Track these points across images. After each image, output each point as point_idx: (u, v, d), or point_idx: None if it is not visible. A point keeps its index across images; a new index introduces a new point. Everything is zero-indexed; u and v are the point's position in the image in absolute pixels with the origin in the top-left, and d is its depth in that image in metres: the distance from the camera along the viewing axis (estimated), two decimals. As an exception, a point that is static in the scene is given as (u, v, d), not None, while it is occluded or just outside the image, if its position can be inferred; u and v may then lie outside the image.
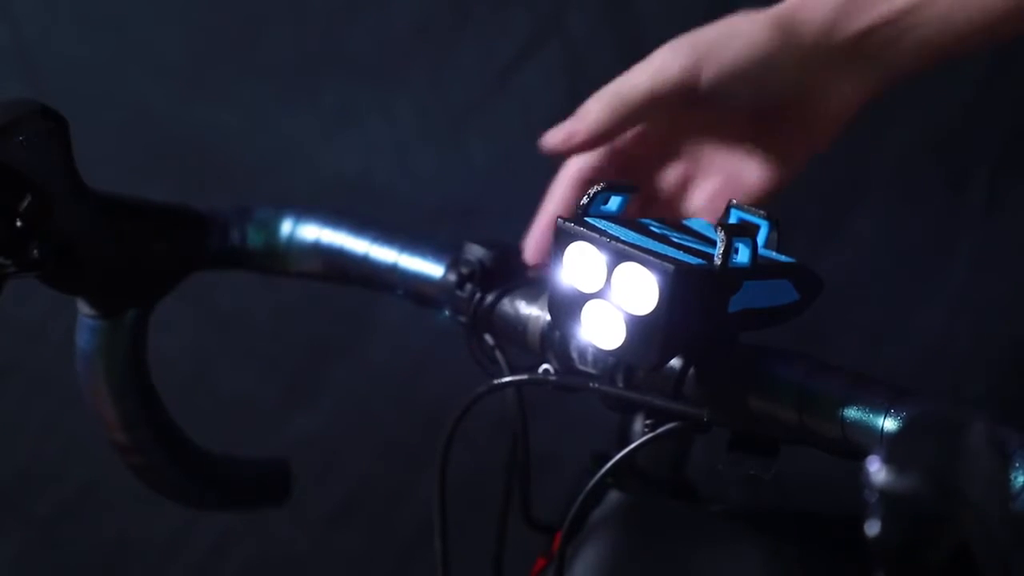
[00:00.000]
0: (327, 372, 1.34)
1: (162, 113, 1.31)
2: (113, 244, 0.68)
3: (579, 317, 0.60)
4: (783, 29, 0.74)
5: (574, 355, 0.65)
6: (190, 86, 1.31)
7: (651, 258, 0.57)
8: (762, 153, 0.78)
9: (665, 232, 0.62)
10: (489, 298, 0.68)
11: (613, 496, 0.74)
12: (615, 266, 0.59)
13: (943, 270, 1.24)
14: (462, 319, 0.69)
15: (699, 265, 0.58)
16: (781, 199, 0.79)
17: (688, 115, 0.76)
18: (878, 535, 0.41)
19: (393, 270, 0.72)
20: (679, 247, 0.60)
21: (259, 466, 0.84)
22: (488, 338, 0.69)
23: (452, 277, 0.70)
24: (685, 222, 0.65)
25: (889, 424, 0.56)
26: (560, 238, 0.60)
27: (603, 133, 0.73)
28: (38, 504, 1.38)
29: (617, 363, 0.63)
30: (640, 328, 0.58)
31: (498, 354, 0.69)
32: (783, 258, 0.63)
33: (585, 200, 0.62)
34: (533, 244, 0.76)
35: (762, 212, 0.63)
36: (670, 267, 0.57)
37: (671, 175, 0.79)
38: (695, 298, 0.58)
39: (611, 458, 0.64)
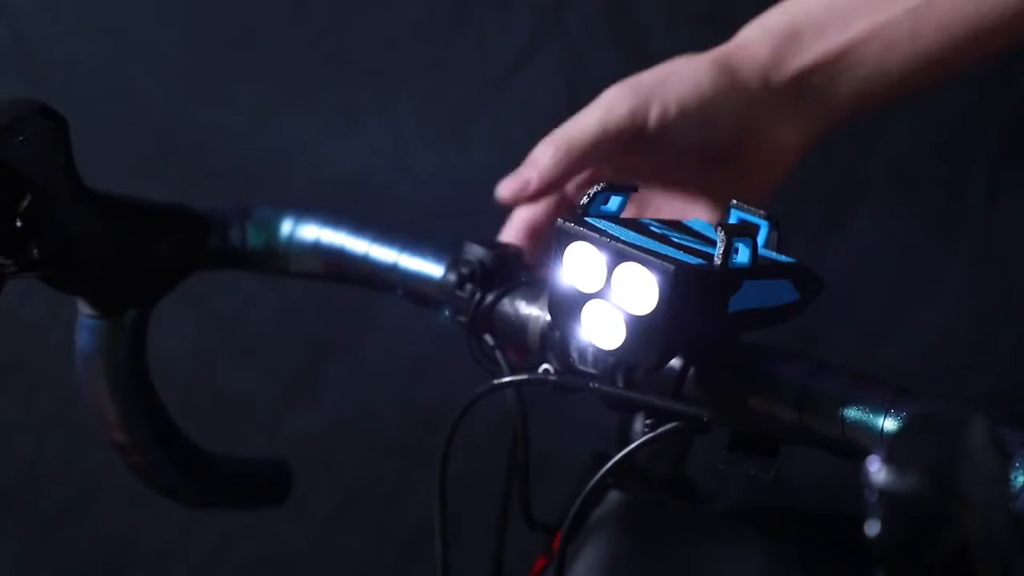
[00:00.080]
0: (327, 372, 1.34)
1: (162, 113, 1.31)
2: (113, 244, 0.68)
3: (579, 317, 0.60)
4: (724, 71, 0.74)
5: (574, 355, 0.65)
6: (190, 86, 1.31)
7: (651, 258, 0.57)
8: (708, 196, 0.78)
9: (665, 232, 0.62)
10: (489, 298, 0.68)
11: (613, 496, 0.74)
12: (615, 266, 0.59)
13: (943, 270, 1.24)
14: (462, 319, 0.69)
15: (699, 265, 0.58)
16: (781, 199, 0.79)
17: (635, 158, 0.76)
18: (878, 535, 0.41)
19: (393, 270, 0.72)
20: (679, 247, 0.60)
21: (259, 466, 0.84)
22: (488, 338, 0.69)
23: (452, 277, 0.70)
24: (685, 222, 0.65)
25: (889, 424, 0.56)
26: (560, 238, 0.60)
27: (556, 179, 0.73)
28: (39, 504, 1.38)
29: (617, 363, 0.63)
30: (640, 328, 0.58)
31: (498, 354, 0.69)
32: (783, 258, 0.63)
33: (585, 200, 0.62)
34: None
35: (762, 212, 0.63)
36: (670, 267, 0.57)
37: None
38: (695, 298, 0.58)
39: (611, 458, 0.64)
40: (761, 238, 0.62)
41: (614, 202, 0.63)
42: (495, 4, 1.26)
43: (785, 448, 0.60)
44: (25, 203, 0.62)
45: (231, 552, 1.37)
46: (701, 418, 0.60)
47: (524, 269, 0.70)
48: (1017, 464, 0.54)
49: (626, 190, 0.63)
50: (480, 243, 0.70)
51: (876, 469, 0.42)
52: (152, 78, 1.31)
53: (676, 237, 0.61)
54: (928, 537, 0.41)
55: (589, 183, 0.77)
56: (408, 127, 1.29)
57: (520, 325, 0.67)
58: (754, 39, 0.77)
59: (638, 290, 0.58)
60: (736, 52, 0.76)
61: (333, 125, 1.30)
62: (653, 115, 0.73)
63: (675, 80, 0.74)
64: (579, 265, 0.60)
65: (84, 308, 0.71)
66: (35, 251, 0.63)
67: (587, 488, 0.65)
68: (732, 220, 0.64)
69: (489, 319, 0.68)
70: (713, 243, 0.59)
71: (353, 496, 1.35)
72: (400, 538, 1.33)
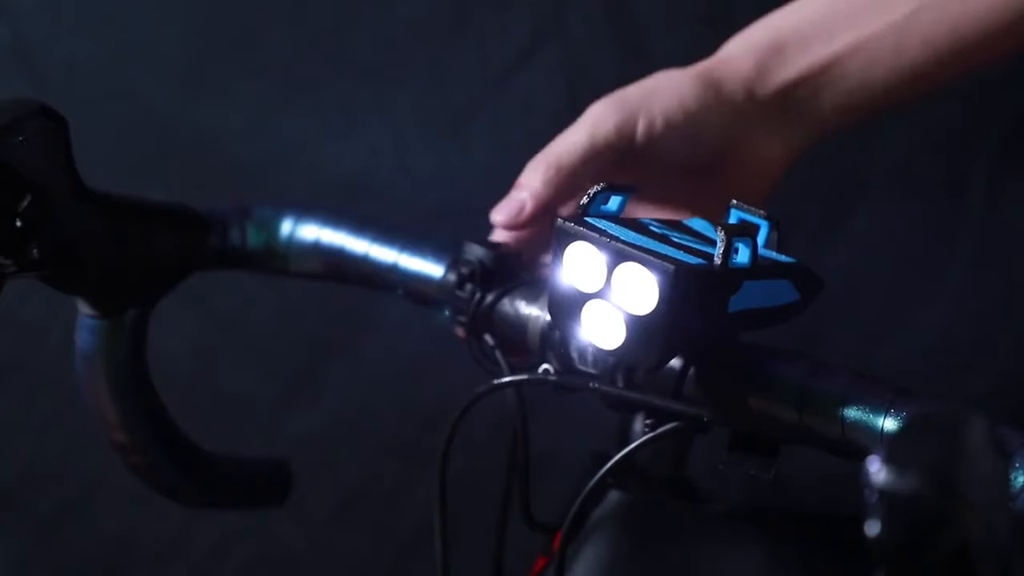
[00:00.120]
0: (327, 372, 1.34)
1: (162, 113, 1.31)
2: (113, 244, 0.68)
3: (579, 317, 0.60)
4: (709, 85, 0.74)
5: (574, 355, 0.65)
6: (190, 86, 1.31)
7: (651, 258, 0.57)
8: (694, 210, 0.78)
9: (665, 232, 0.62)
10: (489, 298, 0.68)
11: (613, 496, 0.74)
12: (615, 266, 0.59)
13: (943, 270, 1.24)
14: (462, 319, 0.69)
15: (699, 265, 0.58)
16: (781, 199, 0.79)
17: (622, 173, 0.76)
18: (878, 535, 0.41)
19: (393, 270, 0.72)
20: (679, 247, 0.60)
21: (259, 466, 0.84)
22: (488, 338, 0.69)
23: (452, 277, 0.70)
24: (685, 222, 0.65)
25: (889, 424, 0.56)
26: (560, 238, 0.60)
27: (549, 200, 0.73)
28: (39, 504, 1.38)
29: (617, 363, 0.63)
30: (640, 328, 0.58)
31: (498, 354, 0.69)
32: (783, 258, 0.63)
33: (585, 200, 0.62)
34: None
35: (762, 212, 0.63)
36: (670, 267, 0.57)
37: None
38: (695, 298, 0.58)
39: (611, 458, 0.64)
40: (761, 238, 0.62)
41: (614, 202, 0.63)
42: (495, 4, 1.26)
43: (785, 448, 0.60)
44: (25, 203, 0.62)
45: (231, 552, 1.37)
46: (701, 418, 0.60)
47: (524, 269, 0.70)
48: (1017, 464, 0.54)
49: (626, 190, 0.63)
50: (480, 243, 0.70)
51: (876, 469, 0.42)
52: (152, 78, 1.31)
53: (676, 237, 0.61)
54: (928, 537, 0.41)
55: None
56: (408, 127, 1.29)
57: (520, 325, 0.67)
58: (738, 53, 0.77)
59: (638, 290, 0.58)
60: (720, 66, 0.76)
61: (333, 125, 1.30)
62: (639, 129, 0.73)
63: (660, 94, 0.74)
64: (579, 265, 0.60)
65: (84, 308, 0.71)
66: (35, 251, 0.63)
67: (587, 488, 0.65)
68: (732, 220, 0.64)
69: (489, 319, 0.68)
70: (713, 243, 0.59)
71: (353, 496, 1.35)
72: (400, 538, 1.33)
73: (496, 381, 0.67)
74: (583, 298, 0.60)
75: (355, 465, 1.35)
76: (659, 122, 0.73)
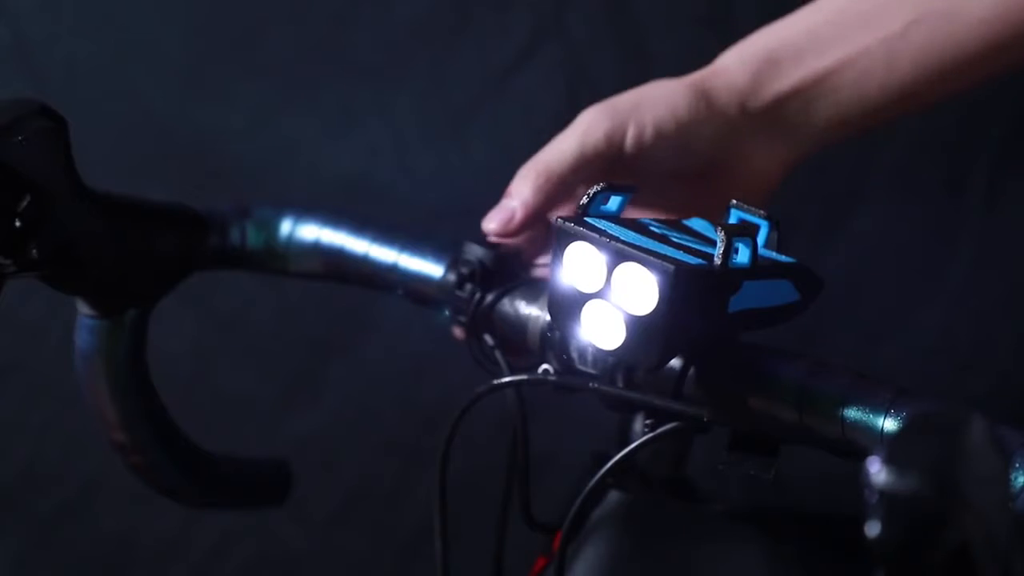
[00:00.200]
0: (327, 372, 1.34)
1: (162, 113, 1.31)
2: (113, 244, 0.68)
3: (579, 317, 0.60)
4: (701, 95, 0.74)
5: (574, 355, 0.65)
6: (190, 86, 1.31)
7: (651, 258, 0.57)
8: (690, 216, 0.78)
9: (665, 232, 0.62)
10: (489, 298, 0.68)
11: (613, 496, 0.74)
12: (615, 266, 0.59)
13: (943, 270, 1.24)
14: (462, 319, 0.69)
15: (699, 265, 0.58)
16: (781, 199, 0.79)
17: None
18: (878, 535, 0.41)
19: (393, 270, 0.72)
20: (679, 247, 0.60)
21: (259, 466, 0.84)
22: (488, 338, 0.69)
23: (452, 277, 0.70)
24: (685, 222, 0.65)
25: (889, 424, 0.57)
26: (560, 238, 0.60)
27: (539, 208, 0.73)
28: (39, 504, 1.38)
29: (617, 363, 0.63)
30: (640, 328, 0.58)
31: (498, 354, 0.69)
32: (783, 258, 0.63)
33: (585, 200, 0.62)
34: None
35: (762, 212, 0.63)
36: (670, 267, 0.57)
37: None
38: (695, 298, 0.58)
39: (611, 458, 0.64)
40: (761, 238, 0.62)
41: (614, 202, 0.63)
42: (495, 4, 1.26)
43: (785, 448, 0.60)
44: (25, 203, 0.62)
45: (231, 552, 1.37)
46: (701, 418, 0.60)
47: (524, 269, 0.70)
48: (1017, 464, 0.54)
49: (626, 190, 0.63)
50: (480, 243, 0.70)
51: (876, 469, 0.42)
52: (152, 78, 1.31)
53: (676, 237, 0.61)
54: (928, 538, 0.41)
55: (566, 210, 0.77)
56: (408, 127, 1.29)
57: (520, 325, 0.67)
58: (732, 64, 0.77)
59: (638, 290, 0.58)
60: (713, 77, 0.76)
61: (333, 125, 1.29)
62: (629, 137, 0.73)
63: (651, 103, 0.74)
64: (579, 265, 0.60)
65: (84, 308, 0.71)
66: (35, 251, 0.63)
67: (587, 488, 0.65)
68: (732, 220, 0.64)
69: (489, 319, 0.68)
70: (713, 243, 0.59)
71: (353, 496, 1.35)
72: (400, 538, 1.33)
73: (496, 381, 0.67)
74: (583, 298, 0.60)
75: (355, 465, 1.35)
76: (649, 131, 0.73)
